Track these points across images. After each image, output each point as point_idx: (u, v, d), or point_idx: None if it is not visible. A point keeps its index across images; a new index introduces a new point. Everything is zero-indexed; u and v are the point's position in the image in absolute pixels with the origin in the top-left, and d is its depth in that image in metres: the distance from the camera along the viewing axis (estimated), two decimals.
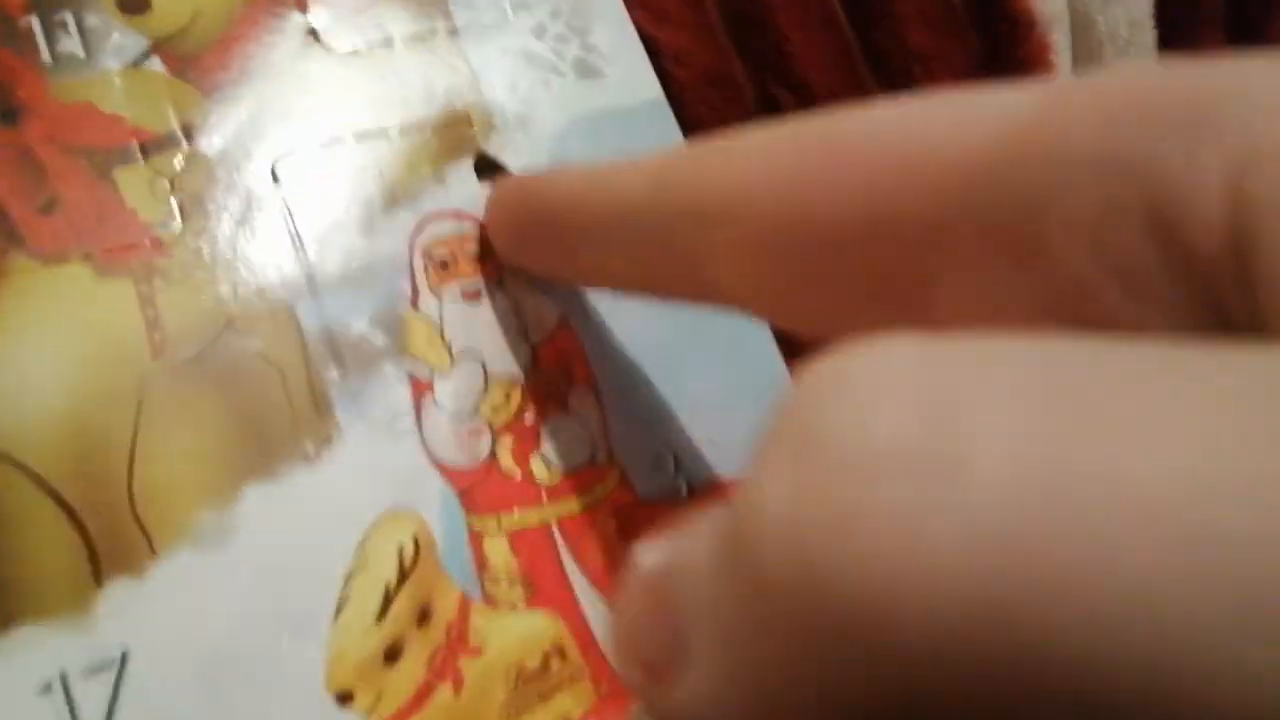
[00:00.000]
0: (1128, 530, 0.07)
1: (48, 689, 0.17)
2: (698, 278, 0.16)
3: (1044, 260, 0.12)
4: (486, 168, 0.23)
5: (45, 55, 0.21)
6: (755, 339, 0.23)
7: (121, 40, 0.22)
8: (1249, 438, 0.07)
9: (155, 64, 0.22)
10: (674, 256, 0.16)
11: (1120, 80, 0.12)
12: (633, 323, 0.23)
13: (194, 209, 0.21)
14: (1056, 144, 0.11)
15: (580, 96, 0.25)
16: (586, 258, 0.19)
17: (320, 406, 0.20)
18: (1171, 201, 0.11)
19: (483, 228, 0.22)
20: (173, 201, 0.21)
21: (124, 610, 0.17)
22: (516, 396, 0.21)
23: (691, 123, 0.27)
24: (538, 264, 0.21)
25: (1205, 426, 0.07)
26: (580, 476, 0.21)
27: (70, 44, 0.21)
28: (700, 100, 0.28)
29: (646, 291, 0.19)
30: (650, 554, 0.11)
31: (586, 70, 0.25)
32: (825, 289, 0.14)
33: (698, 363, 0.23)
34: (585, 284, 0.22)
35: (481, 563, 0.20)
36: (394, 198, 0.22)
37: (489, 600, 0.19)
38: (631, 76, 0.25)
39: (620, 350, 0.22)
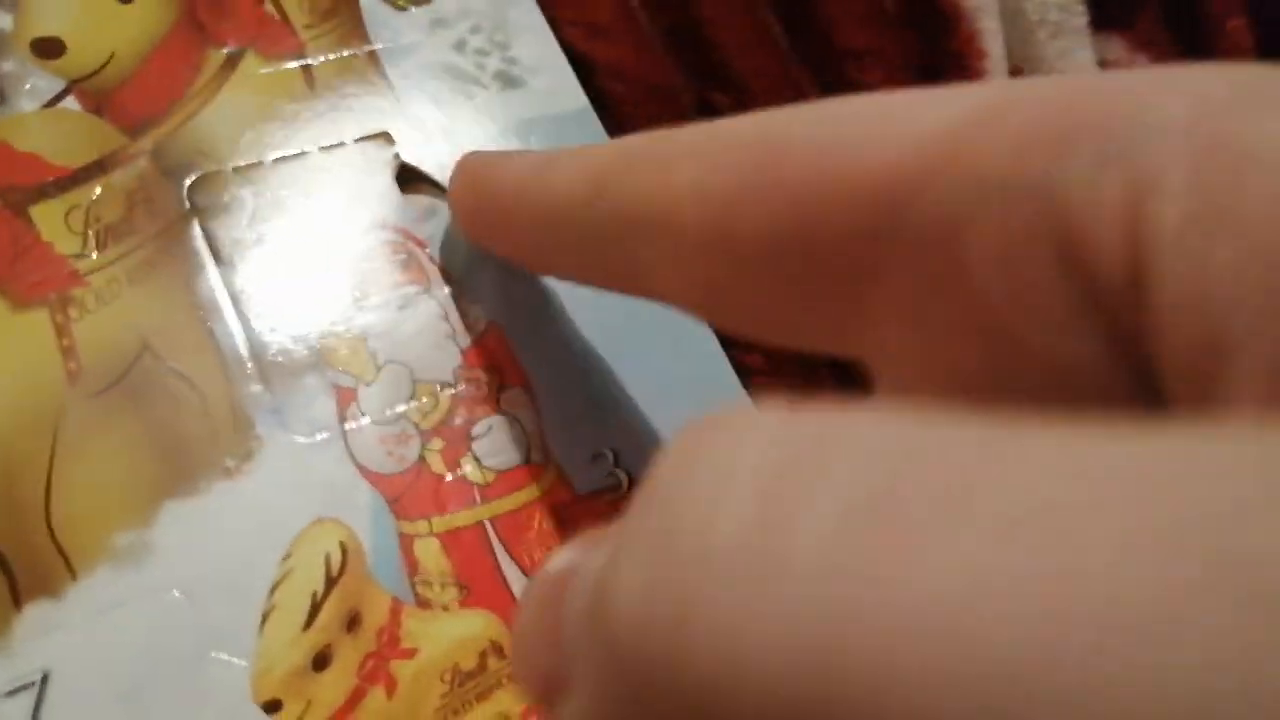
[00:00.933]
0: (898, 629, 0.07)
1: None
2: (638, 280, 0.16)
3: (961, 287, 0.11)
4: (409, 179, 0.23)
5: None
6: (695, 328, 0.23)
7: (37, 83, 0.22)
8: (1034, 536, 0.07)
9: (71, 103, 0.22)
10: (615, 259, 0.16)
11: (1036, 97, 0.11)
12: (569, 315, 0.22)
13: (111, 239, 0.21)
14: (971, 165, 0.11)
15: (504, 107, 0.25)
16: (532, 249, 0.19)
17: (240, 422, 0.20)
18: (1075, 229, 0.10)
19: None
20: (89, 232, 0.21)
21: (43, 632, 0.17)
22: (445, 400, 0.21)
23: (630, 131, 0.27)
24: (492, 245, 0.21)
25: (996, 525, 0.07)
26: (514, 475, 0.21)
27: None
28: (639, 114, 0.28)
29: (593, 285, 0.18)
30: (557, 560, 0.11)
31: (509, 81, 0.25)
32: (762, 298, 0.14)
33: (637, 353, 0.22)
34: (537, 272, 0.22)
35: (413, 566, 0.19)
36: (315, 216, 0.22)
37: (421, 603, 0.19)
38: (556, 86, 0.25)
39: (556, 347, 0.22)
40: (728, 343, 0.24)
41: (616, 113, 0.27)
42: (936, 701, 0.06)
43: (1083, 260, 0.10)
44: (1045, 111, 0.11)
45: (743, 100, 0.29)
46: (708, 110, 0.29)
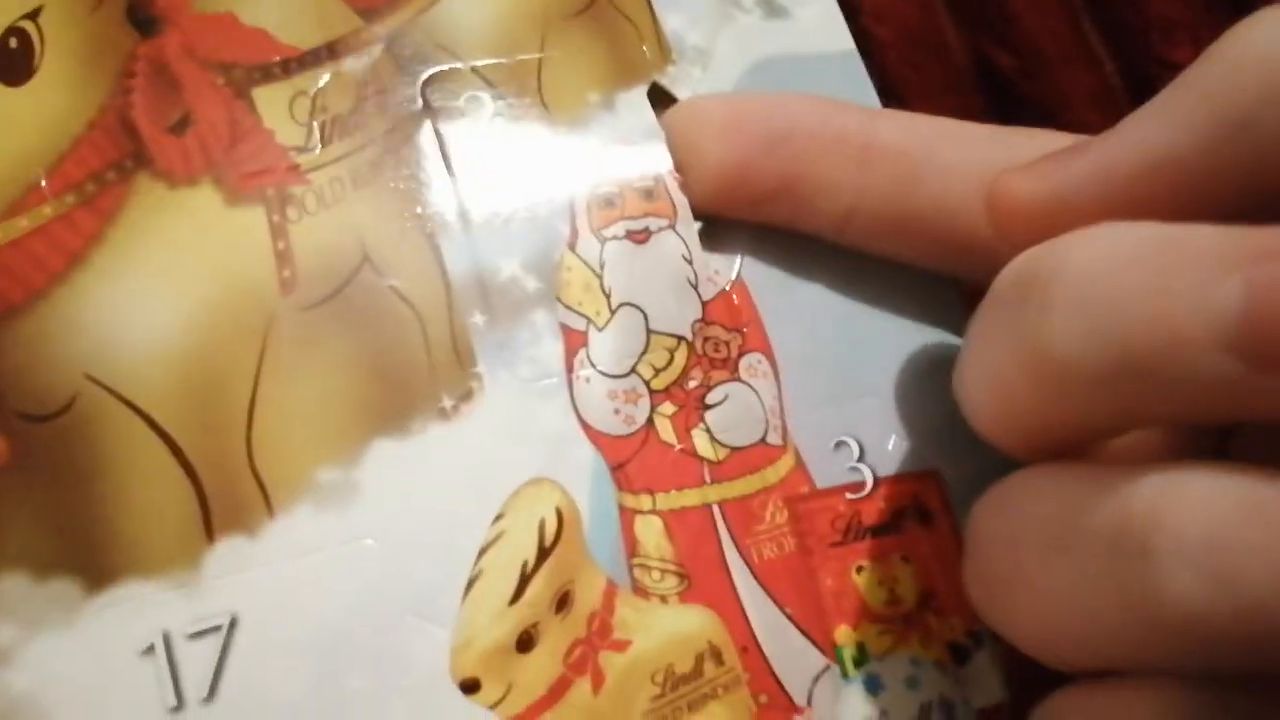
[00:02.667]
0: None
1: (150, 650, 0.15)
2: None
3: None
4: (661, 99, 0.21)
5: None
6: (943, 311, 0.20)
7: None
8: None
9: None
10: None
11: None
12: (812, 285, 0.20)
13: (336, 132, 0.19)
14: None
15: (765, 37, 0.22)
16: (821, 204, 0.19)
17: (461, 356, 0.18)
18: None
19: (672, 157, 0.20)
20: (314, 124, 0.19)
21: (235, 571, 0.16)
22: (681, 357, 0.18)
23: (894, 83, 0.23)
24: (751, 190, 0.19)
25: None
26: (749, 455, 0.18)
27: None
28: (903, 60, 0.25)
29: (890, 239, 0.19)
30: None
31: (773, 10, 0.22)
32: None
33: (881, 337, 0.19)
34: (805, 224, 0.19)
35: (632, 545, 0.17)
36: (557, 125, 0.20)
37: (638, 589, 0.17)
38: (822, 21, 0.22)
39: (804, 314, 0.19)
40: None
41: (880, 59, 0.24)
42: None
43: None
44: None
45: (1029, 65, 0.25)
46: (986, 70, 0.26)
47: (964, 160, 0.18)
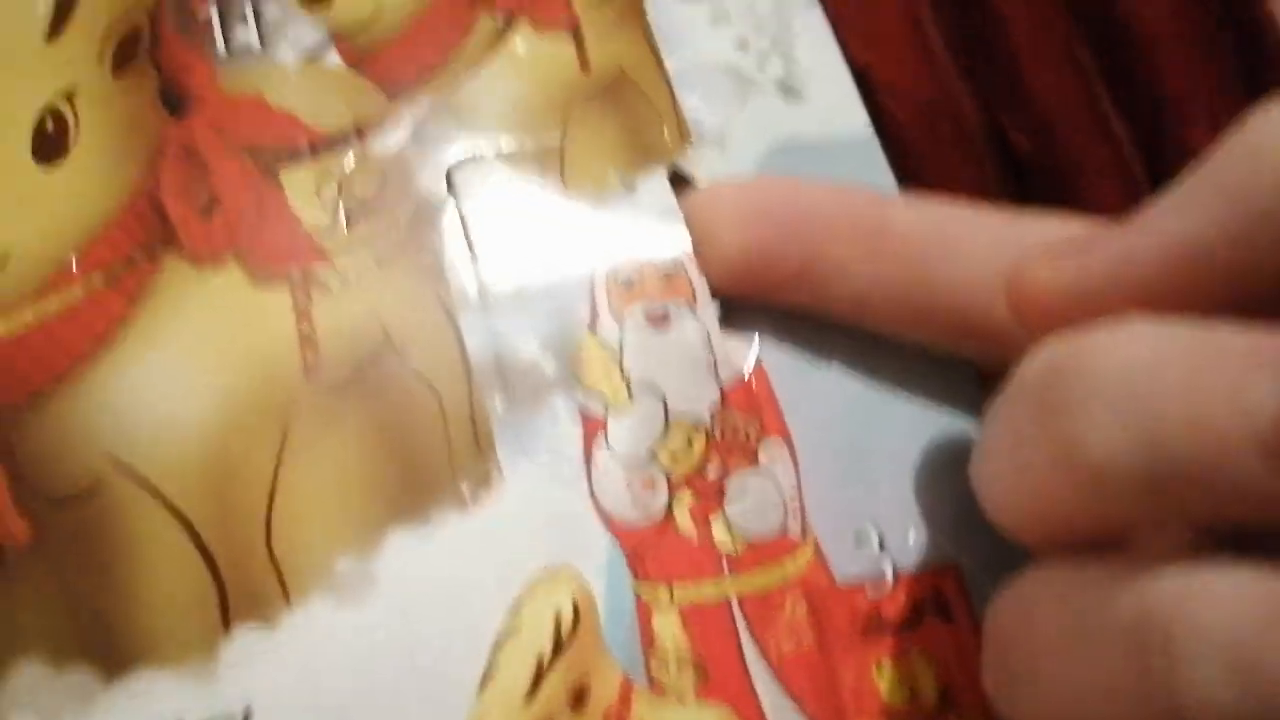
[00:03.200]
0: None
1: None
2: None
3: None
4: (680, 182, 0.21)
5: (220, 46, 0.20)
6: (960, 394, 0.20)
7: (299, 32, 0.20)
8: None
9: (333, 57, 0.20)
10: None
11: None
12: (830, 368, 0.20)
13: (361, 215, 0.19)
14: None
15: (782, 119, 0.22)
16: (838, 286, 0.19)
17: (481, 441, 0.18)
18: None
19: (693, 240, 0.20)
20: (340, 206, 0.19)
21: (251, 661, 0.16)
22: (700, 443, 0.18)
23: (908, 156, 0.24)
24: (768, 275, 0.19)
25: None
26: (769, 547, 0.18)
27: (246, 34, 0.20)
28: (919, 134, 0.25)
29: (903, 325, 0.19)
30: None
31: (790, 91, 0.22)
32: None
33: (899, 421, 0.19)
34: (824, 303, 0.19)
35: (648, 638, 0.17)
36: (578, 207, 0.20)
37: (654, 686, 0.17)
38: (838, 102, 0.22)
39: (822, 397, 0.19)
40: None
41: (896, 133, 0.24)
42: None
43: None
44: None
45: (1044, 139, 0.25)
46: (1000, 142, 0.26)
47: (979, 246, 0.18)
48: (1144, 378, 0.13)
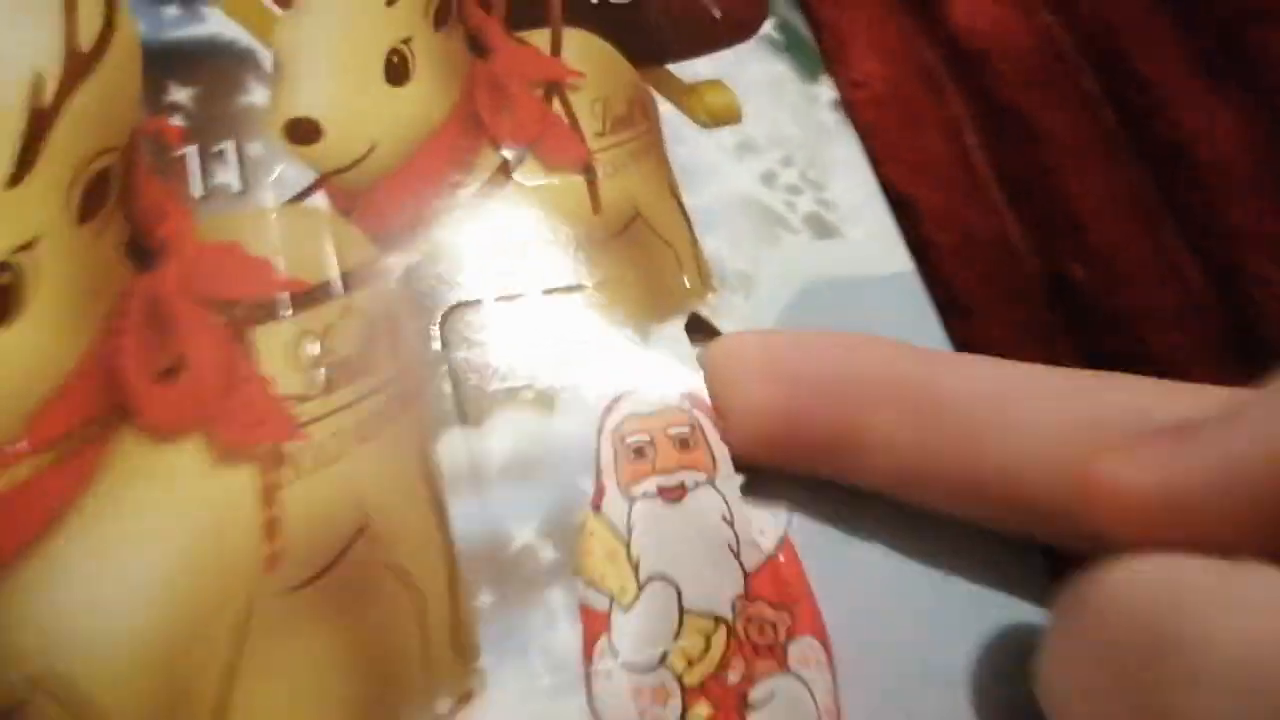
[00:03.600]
0: None
1: None
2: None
3: None
4: (700, 330, 0.19)
5: (197, 187, 0.18)
6: (1021, 578, 0.17)
7: (285, 173, 0.19)
8: None
9: (319, 200, 0.18)
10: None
11: None
12: (871, 549, 0.17)
13: (343, 376, 0.17)
14: None
15: (814, 258, 0.20)
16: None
17: (463, 646, 0.15)
18: None
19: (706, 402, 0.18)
20: (319, 370, 0.17)
21: None
22: (719, 643, 0.16)
23: (957, 294, 0.21)
24: (797, 443, 0.17)
25: None
26: None
27: (227, 175, 0.18)
28: (967, 269, 0.23)
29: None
30: None
31: (823, 228, 0.20)
32: None
33: (949, 613, 0.17)
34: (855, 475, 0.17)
35: None
36: (585, 365, 0.18)
37: None
38: (876, 237, 0.20)
39: (857, 584, 0.17)
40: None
41: (942, 268, 0.22)
42: None
43: None
44: None
45: (1104, 279, 0.23)
46: (1059, 282, 0.23)
47: (1039, 417, 0.16)
48: (1274, 657, 0.11)
